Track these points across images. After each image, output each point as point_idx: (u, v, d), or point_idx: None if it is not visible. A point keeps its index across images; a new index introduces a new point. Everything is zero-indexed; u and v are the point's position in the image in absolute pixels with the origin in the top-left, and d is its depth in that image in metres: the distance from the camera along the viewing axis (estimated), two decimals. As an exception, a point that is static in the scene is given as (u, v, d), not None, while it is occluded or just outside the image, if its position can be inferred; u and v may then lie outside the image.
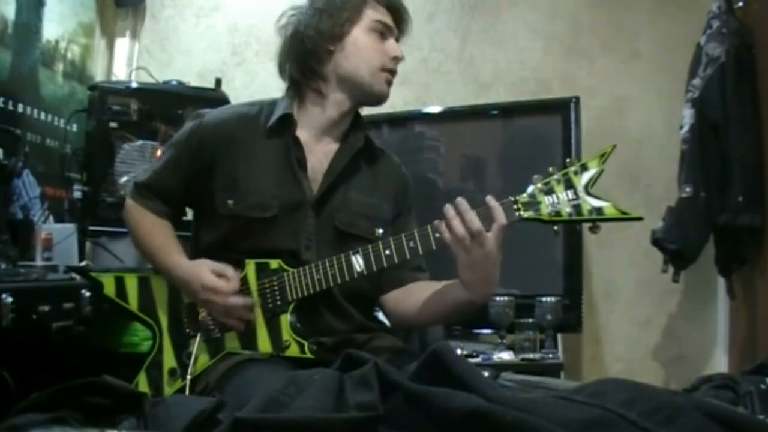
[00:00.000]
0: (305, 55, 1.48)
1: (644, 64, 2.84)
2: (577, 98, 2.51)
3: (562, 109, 2.51)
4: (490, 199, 1.29)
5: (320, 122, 1.51)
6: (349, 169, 1.50)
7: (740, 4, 2.40)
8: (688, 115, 2.43)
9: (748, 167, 2.30)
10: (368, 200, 1.52)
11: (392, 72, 1.50)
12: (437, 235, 1.31)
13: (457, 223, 1.26)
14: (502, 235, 1.27)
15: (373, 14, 1.48)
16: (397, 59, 1.49)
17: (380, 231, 1.50)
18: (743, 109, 2.32)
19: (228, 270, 1.42)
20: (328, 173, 1.48)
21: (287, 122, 1.48)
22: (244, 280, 1.42)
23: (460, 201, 1.28)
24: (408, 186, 1.62)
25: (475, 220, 1.26)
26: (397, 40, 1.53)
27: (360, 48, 1.47)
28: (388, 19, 1.49)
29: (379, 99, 1.52)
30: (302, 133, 1.49)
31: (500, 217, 1.26)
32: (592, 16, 2.90)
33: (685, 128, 2.43)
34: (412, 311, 1.48)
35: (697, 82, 2.41)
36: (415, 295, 1.48)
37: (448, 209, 1.28)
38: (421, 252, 1.34)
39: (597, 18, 2.90)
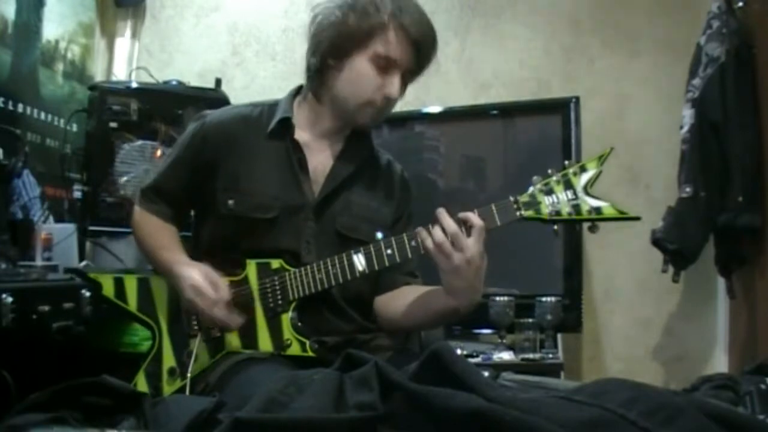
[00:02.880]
0: (311, 59, 1.47)
1: (644, 64, 2.84)
2: (577, 98, 2.51)
3: (562, 109, 2.51)
4: (467, 213, 1.30)
5: (318, 128, 1.51)
6: (351, 174, 1.50)
7: (740, 4, 2.40)
8: (688, 115, 2.43)
9: (748, 167, 2.30)
10: (370, 204, 1.52)
11: (380, 109, 1.44)
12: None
13: (436, 230, 1.29)
14: (482, 240, 1.28)
15: (382, 46, 1.39)
16: (389, 99, 1.43)
17: (380, 235, 1.49)
18: (743, 109, 2.32)
19: (220, 282, 1.40)
20: (331, 178, 1.48)
21: (286, 125, 1.48)
22: (245, 280, 1.42)
23: (440, 210, 1.30)
24: (409, 192, 1.62)
25: (451, 224, 1.28)
26: (413, 73, 1.46)
27: (354, 77, 1.42)
28: (396, 53, 1.40)
29: (362, 129, 1.50)
30: (302, 136, 1.49)
31: (476, 220, 1.28)
32: (592, 16, 2.90)
33: (685, 128, 2.43)
34: (398, 315, 1.48)
35: (697, 82, 2.41)
36: (401, 299, 1.48)
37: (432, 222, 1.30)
38: (422, 251, 1.34)
39: (597, 18, 2.90)
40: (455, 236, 1.27)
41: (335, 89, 1.45)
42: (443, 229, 1.28)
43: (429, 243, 1.29)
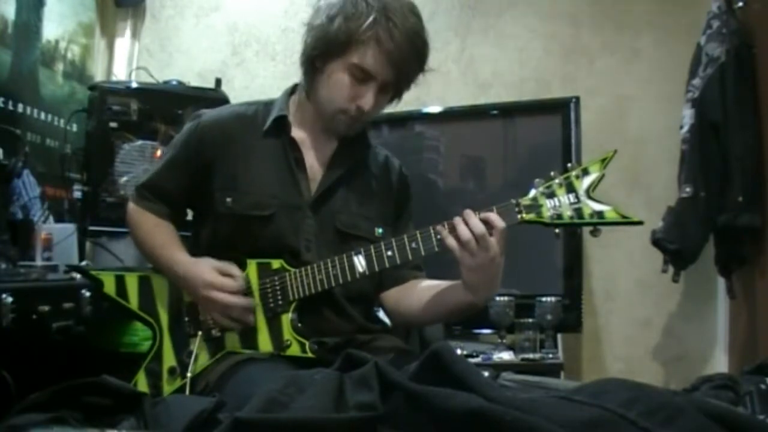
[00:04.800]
0: (301, 58, 1.47)
1: (644, 64, 2.84)
2: (577, 98, 2.51)
3: (562, 109, 2.51)
4: (489, 211, 1.31)
5: (314, 125, 1.51)
6: (349, 170, 1.50)
7: (740, 4, 2.39)
8: (688, 115, 2.43)
9: (748, 167, 2.30)
10: (369, 201, 1.52)
11: (353, 119, 1.43)
12: (439, 237, 1.32)
13: (462, 228, 1.28)
14: (504, 239, 1.29)
15: (357, 57, 1.36)
16: (361, 110, 1.40)
17: (380, 231, 1.50)
18: (743, 109, 2.32)
19: (233, 269, 1.42)
20: (327, 175, 1.48)
21: (282, 124, 1.48)
22: (245, 280, 1.42)
23: (468, 211, 1.30)
24: (408, 188, 1.62)
25: (479, 225, 1.28)
26: (394, 86, 1.44)
27: (332, 84, 1.41)
28: (372, 66, 1.37)
29: (338, 136, 1.49)
30: (298, 133, 1.49)
31: (498, 221, 1.28)
32: (592, 16, 2.90)
33: (685, 128, 2.43)
34: (413, 310, 1.48)
35: (697, 82, 2.41)
36: (416, 294, 1.49)
37: (456, 218, 1.30)
38: (423, 253, 1.35)
39: (597, 18, 2.90)
40: (482, 237, 1.27)
41: (318, 92, 1.45)
42: (471, 229, 1.28)
43: (451, 241, 1.29)
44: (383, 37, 1.35)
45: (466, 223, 1.28)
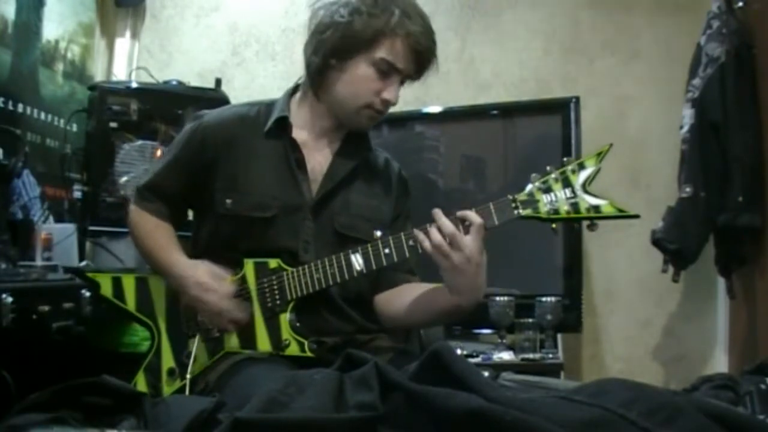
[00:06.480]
0: (312, 58, 1.45)
1: (644, 64, 2.84)
2: (577, 98, 2.51)
3: (562, 109, 2.51)
4: (465, 211, 1.30)
5: (316, 126, 1.50)
6: (350, 173, 1.50)
7: (740, 4, 2.40)
8: (688, 115, 2.43)
9: (748, 167, 2.30)
10: (368, 202, 1.51)
11: (379, 111, 1.45)
12: (412, 243, 1.32)
13: (431, 230, 1.28)
14: (481, 238, 1.28)
15: (385, 51, 1.39)
16: (387, 103, 1.44)
17: (379, 233, 1.49)
18: (743, 109, 2.32)
19: (225, 273, 1.42)
20: (329, 177, 1.48)
21: (283, 125, 1.48)
22: (242, 280, 1.42)
23: (435, 211, 1.29)
24: (407, 190, 1.62)
25: (447, 224, 1.27)
26: (412, 79, 1.47)
27: (355, 79, 1.42)
28: (399, 60, 1.40)
29: (358, 131, 1.51)
30: (300, 135, 1.48)
31: (474, 218, 1.27)
32: (592, 16, 2.90)
33: (685, 128, 2.43)
34: (401, 312, 1.47)
35: (697, 82, 2.41)
36: (404, 297, 1.48)
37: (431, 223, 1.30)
38: (420, 250, 1.34)
39: (597, 18, 2.90)
40: (452, 236, 1.26)
41: (335, 90, 1.45)
42: (440, 230, 1.28)
43: (427, 244, 1.29)
44: (413, 32, 1.39)
45: (437, 225, 1.28)
